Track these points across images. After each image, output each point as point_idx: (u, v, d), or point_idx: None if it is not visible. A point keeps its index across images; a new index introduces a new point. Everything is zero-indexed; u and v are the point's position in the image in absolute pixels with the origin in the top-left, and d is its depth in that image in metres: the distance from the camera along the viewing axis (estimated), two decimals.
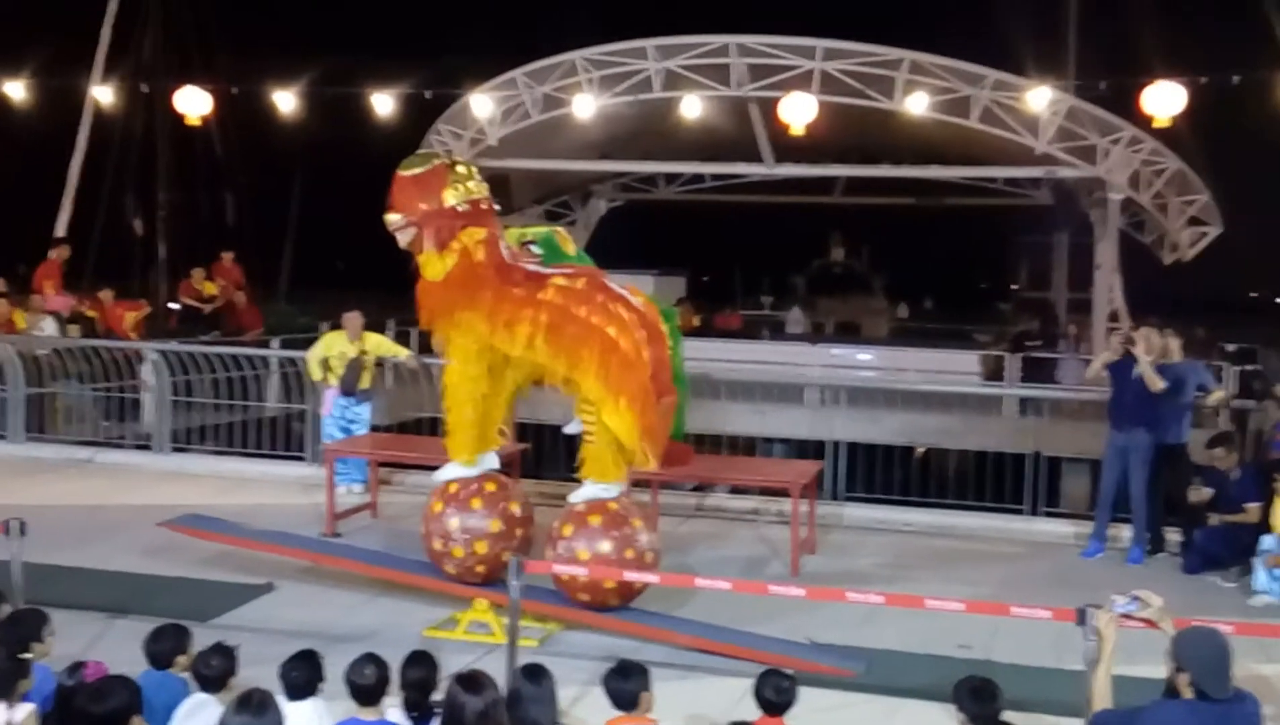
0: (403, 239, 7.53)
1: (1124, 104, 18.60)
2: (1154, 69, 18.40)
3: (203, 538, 8.64)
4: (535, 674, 4.79)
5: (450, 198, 7.41)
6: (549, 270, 7.68)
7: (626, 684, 5.04)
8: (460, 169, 7.65)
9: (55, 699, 4.81)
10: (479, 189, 7.61)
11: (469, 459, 7.80)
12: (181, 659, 5.23)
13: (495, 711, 4.31)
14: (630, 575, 7.18)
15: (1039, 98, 18.49)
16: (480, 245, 7.43)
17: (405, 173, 7.51)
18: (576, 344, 7.24)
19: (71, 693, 4.66)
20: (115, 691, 4.46)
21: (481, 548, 7.61)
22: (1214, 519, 9.45)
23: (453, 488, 7.83)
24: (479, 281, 7.40)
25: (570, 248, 8.49)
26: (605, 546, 7.31)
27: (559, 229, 8.85)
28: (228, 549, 8.69)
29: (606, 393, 7.19)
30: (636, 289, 7.99)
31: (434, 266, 7.45)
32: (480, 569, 7.69)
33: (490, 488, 7.82)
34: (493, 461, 8.04)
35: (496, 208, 7.81)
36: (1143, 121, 17.85)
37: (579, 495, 7.59)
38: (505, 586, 6.51)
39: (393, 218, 7.47)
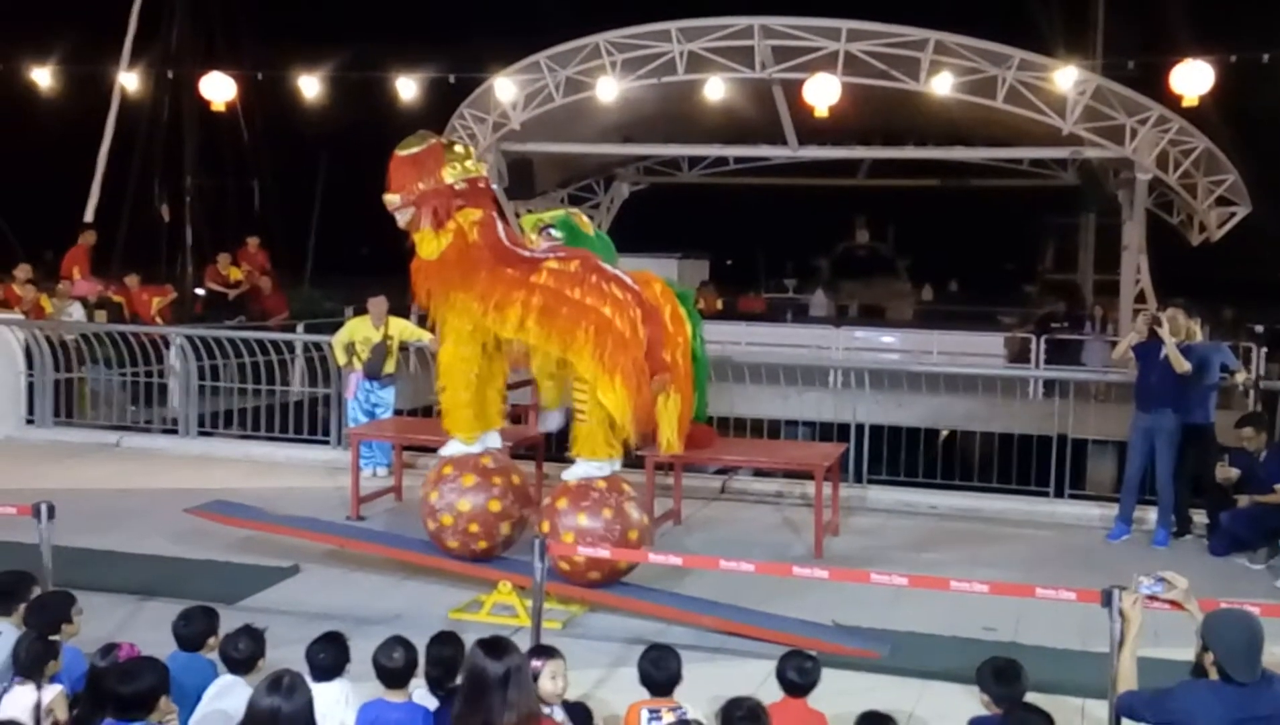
0: (402, 219, 7.55)
1: (1152, 83, 18.43)
2: (1182, 48, 18.22)
3: (229, 523, 8.72)
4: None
5: (447, 176, 7.43)
6: (543, 253, 7.68)
7: (660, 671, 5.02)
8: (457, 148, 7.67)
9: (87, 680, 4.86)
10: (476, 168, 7.63)
11: (469, 437, 7.86)
12: (211, 641, 5.27)
13: (519, 676, 4.27)
14: (654, 558, 7.18)
15: (1065, 78, 18.34)
16: (476, 226, 7.46)
17: (402, 153, 7.54)
18: (570, 325, 7.25)
19: (102, 674, 4.71)
20: (143, 673, 4.50)
21: (464, 506, 7.68)
22: (1242, 500, 9.39)
23: (431, 475, 7.99)
24: (473, 262, 7.42)
25: (588, 229, 8.50)
26: (584, 521, 7.38)
27: (575, 211, 8.86)
28: (254, 533, 8.77)
29: (600, 371, 7.21)
30: (651, 274, 7.97)
31: (429, 245, 7.49)
32: (474, 528, 7.71)
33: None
34: (494, 440, 8.09)
35: (495, 187, 7.82)
36: (1171, 101, 17.69)
37: (571, 472, 7.64)
38: (526, 565, 6.54)
39: (391, 198, 7.50)
